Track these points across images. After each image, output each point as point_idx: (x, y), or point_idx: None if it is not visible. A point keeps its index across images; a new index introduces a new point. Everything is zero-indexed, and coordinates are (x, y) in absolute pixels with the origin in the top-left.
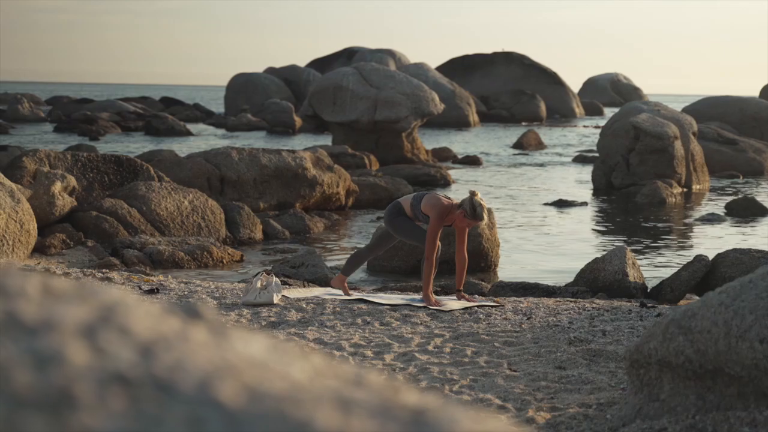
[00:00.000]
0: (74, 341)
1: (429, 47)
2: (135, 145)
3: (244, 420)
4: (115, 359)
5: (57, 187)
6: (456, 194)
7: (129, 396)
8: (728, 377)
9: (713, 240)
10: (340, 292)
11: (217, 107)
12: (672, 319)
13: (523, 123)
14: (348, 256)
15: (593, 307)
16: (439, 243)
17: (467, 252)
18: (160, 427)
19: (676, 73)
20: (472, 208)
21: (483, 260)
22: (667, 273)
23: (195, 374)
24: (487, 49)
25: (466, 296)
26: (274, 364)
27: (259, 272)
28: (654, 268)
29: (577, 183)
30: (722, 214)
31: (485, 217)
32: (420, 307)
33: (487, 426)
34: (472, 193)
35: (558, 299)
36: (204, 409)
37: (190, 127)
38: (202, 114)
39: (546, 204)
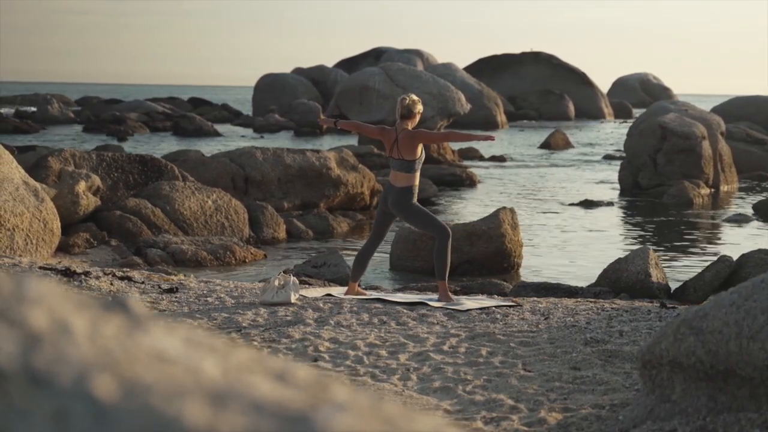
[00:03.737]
0: None
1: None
2: (162, 146)
3: (113, 415)
4: None
5: (81, 186)
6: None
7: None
8: (740, 378)
9: (740, 241)
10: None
11: (245, 108)
12: (683, 319)
13: (533, 122)
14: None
15: (612, 308)
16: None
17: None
18: (26, 421)
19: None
20: (401, 108)
21: (506, 260)
22: (692, 274)
23: (75, 368)
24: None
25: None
26: (184, 359)
27: (279, 272)
28: (680, 268)
29: (604, 183)
30: (750, 214)
31: (416, 104)
32: (437, 307)
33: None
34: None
35: (578, 299)
36: (74, 404)
37: (218, 127)
38: (230, 114)
39: (572, 204)
